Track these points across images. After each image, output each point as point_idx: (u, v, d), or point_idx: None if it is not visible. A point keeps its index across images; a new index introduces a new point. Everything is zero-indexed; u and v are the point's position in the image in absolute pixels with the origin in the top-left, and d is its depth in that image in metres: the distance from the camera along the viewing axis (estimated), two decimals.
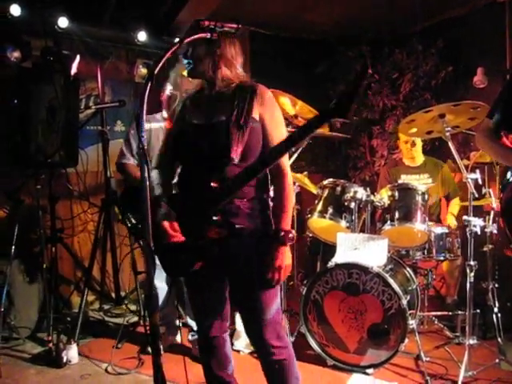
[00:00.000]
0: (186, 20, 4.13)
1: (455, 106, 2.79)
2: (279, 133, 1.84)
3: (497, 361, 2.82)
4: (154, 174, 1.98)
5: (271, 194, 1.94)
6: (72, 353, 3.11)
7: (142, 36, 4.15)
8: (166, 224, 1.83)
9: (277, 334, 1.90)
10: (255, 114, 1.81)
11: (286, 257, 1.81)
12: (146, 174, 1.52)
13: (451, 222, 3.55)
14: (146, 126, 3.08)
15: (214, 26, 1.81)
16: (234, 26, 1.88)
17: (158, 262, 1.90)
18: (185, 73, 1.99)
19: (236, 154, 1.75)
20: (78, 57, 3.73)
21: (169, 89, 2.99)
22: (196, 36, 1.78)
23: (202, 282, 1.95)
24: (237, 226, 1.77)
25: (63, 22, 3.73)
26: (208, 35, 1.81)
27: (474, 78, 4.20)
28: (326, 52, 5.02)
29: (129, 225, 3.06)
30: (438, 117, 2.82)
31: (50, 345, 3.16)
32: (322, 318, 2.91)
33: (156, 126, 3.10)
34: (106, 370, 3.02)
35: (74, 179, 4.12)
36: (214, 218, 1.74)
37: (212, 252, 1.78)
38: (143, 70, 4.23)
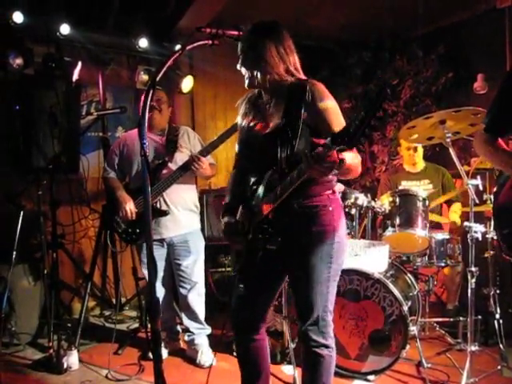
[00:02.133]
0: (188, 26, 4.15)
1: (456, 112, 2.80)
2: (327, 125, 1.76)
3: (499, 367, 2.81)
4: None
5: (336, 190, 1.93)
6: (72, 359, 3.10)
7: (143, 42, 4.17)
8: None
9: (319, 329, 1.91)
10: (304, 116, 1.78)
11: (336, 159, 1.55)
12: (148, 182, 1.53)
13: (456, 218, 3.54)
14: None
15: (216, 33, 1.83)
16: (235, 32, 1.90)
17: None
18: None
19: (283, 164, 1.78)
20: (79, 63, 3.75)
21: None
22: (197, 43, 1.80)
23: (256, 273, 2.01)
24: (284, 227, 1.84)
25: (65, 29, 3.76)
26: (209, 42, 1.84)
27: (474, 83, 4.21)
28: (327, 58, 5.04)
29: (119, 230, 3.07)
30: (439, 123, 2.83)
31: (51, 351, 3.15)
32: None
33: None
34: (106, 377, 3.01)
35: (75, 185, 4.13)
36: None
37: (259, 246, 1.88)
38: (144, 77, 4.25)
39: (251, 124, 1.96)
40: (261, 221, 1.89)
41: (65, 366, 3.05)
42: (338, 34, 4.83)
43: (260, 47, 1.82)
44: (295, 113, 1.77)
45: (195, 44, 1.81)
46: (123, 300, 4.36)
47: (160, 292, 3.13)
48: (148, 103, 1.60)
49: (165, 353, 3.26)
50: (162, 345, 3.18)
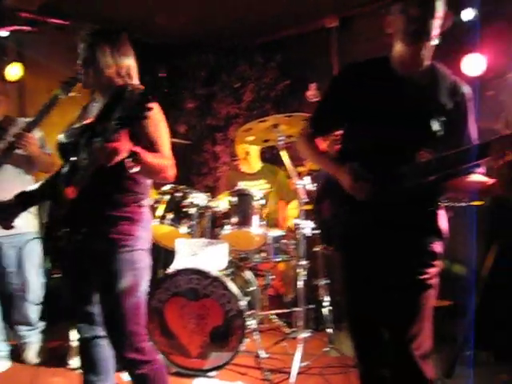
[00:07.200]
0: (13, 8, 3.73)
1: (288, 117, 2.99)
2: (155, 132, 1.84)
3: (327, 349, 3.10)
4: None
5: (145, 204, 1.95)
6: None
7: None
8: None
9: (134, 347, 1.85)
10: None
11: (124, 146, 1.62)
12: None
13: (292, 224, 3.77)
14: None
15: (35, 19, 1.72)
16: (60, 21, 1.83)
17: None
18: None
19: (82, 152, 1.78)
20: None
21: None
22: (11, 28, 1.65)
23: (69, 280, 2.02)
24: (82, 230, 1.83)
25: None
26: (29, 28, 1.72)
27: (307, 92, 4.56)
28: (169, 57, 4.99)
29: None
30: (273, 126, 3.00)
31: None
32: (163, 326, 2.87)
33: None
34: None
35: None
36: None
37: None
38: None
39: (74, 124, 1.99)
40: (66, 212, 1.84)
41: None
42: (183, 33, 4.82)
43: (95, 48, 1.88)
44: (109, 113, 1.77)
45: (10, 28, 1.65)
46: None
47: None
48: None
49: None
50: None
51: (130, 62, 1.93)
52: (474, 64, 3.47)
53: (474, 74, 3.46)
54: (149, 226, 1.98)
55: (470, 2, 3.38)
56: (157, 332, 2.87)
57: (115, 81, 1.89)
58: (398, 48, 1.69)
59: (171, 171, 1.86)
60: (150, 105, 1.53)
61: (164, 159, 1.82)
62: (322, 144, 1.94)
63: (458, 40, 3.31)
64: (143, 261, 1.92)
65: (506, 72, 3.42)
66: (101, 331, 2.04)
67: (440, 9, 1.59)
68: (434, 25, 1.59)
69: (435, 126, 1.66)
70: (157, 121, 1.86)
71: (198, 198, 3.07)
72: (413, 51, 1.65)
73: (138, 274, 1.89)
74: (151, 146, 1.81)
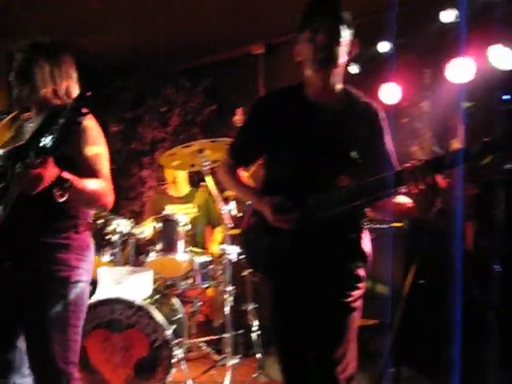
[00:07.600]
0: None
1: (213, 142, 3.01)
2: (91, 154, 1.72)
3: (256, 375, 3.08)
4: None
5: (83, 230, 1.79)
6: None
7: None
8: None
9: None
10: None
11: (49, 172, 1.49)
12: None
13: (215, 250, 3.75)
14: None
15: None
16: None
17: None
18: None
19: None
20: None
21: None
22: None
23: None
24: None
25: None
26: None
27: (234, 117, 4.62)
28: (93, 79, 4.89)
29: None
30: (198, 151, 2.99)
31: None
32: (84, 361, 2.70)
33: None
34: None
35: None
36: None
37: None
38: None
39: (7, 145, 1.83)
40: None
41: None
42: (108, 56, 4.73)
43: (32, 63, 1.75)
44: (40, 135, 1.63)
45: None
46: None
47: None
48: None
49: None
50: None
51: (70, 82, 1.80)
52: (390, 93, 3.69)
53: (390, 103, 3.68)
54: (89, 255, 1.82)
55: (385, 35, 3.60)
56: (78, 368, 2.70)
57: (52, 101, 1.75)
58: (308, 75, 1.74)
59: (109, 197, 1.74)
60: (79, 127, 1.43)
61: (101, 184, 1.69)
62: (244, 173, 1.93)
63: (375, 70, 3.54)
64: (80, 294, 1.77)
65: (418, 101, 3.66)
66: (18, 379, 1.82)
67: (346, 37, 1.67)
68: (341, 52, 1.67)
69: (351, 152, 1.71)
70: (93, 141, 1.73)
71: (121, 225, 2.99)
72: (322, 78, 1.70)
73: (73, 309, 1.74)
74: (87, 170, 1.68)
